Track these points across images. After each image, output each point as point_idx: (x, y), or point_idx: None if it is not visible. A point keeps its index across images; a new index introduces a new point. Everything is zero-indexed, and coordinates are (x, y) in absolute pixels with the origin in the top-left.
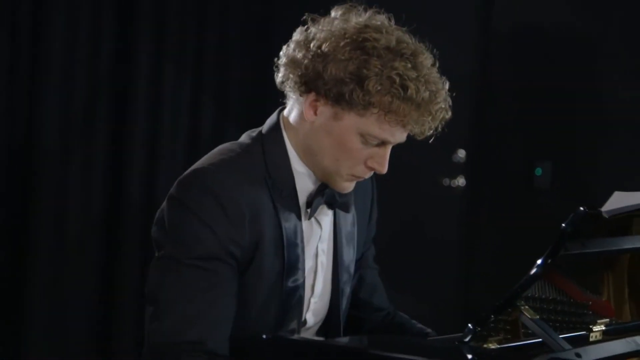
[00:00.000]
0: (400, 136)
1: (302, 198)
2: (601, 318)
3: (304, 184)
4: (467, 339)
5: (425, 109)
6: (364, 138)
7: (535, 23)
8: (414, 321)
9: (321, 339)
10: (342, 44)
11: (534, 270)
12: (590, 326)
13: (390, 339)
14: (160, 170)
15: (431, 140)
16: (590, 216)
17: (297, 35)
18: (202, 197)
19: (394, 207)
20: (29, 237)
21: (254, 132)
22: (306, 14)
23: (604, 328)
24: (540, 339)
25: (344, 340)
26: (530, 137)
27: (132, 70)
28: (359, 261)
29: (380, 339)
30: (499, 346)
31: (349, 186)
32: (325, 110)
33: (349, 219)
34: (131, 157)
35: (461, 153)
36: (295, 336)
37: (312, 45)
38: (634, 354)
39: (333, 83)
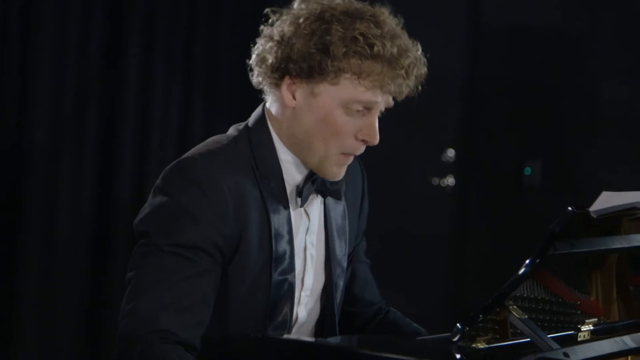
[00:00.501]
0: (381, 99)
1: (291, 188)
2: (589, 318)
3: (292, 173)
4: (455, 339)
5: (396, 64)
6: (347, 108)
7: (524, 22)
8: (407, 319)
9: (310, 339)
10: (302, 20)
11: (522, 270)
12: (579, 326)
13: (379, 339)
14: (150, 170)
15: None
16: (579, 216)
17: (263, 32)
18: (186, 186)
19: (383, 207)
20: (18, 238)
21: (240, 125)
22: (267, 9)
23: (592, 328)
24: (529, 339)
25: (333, 340)
26: (520, 136)
27: (122, 70)
28: (351, 255)
29: (369, 339)
30: (487, 346)
31: (339, 172)
32: (302, 90)
33: (339, 212)
34: (121, 158)
35: (450, 152)
36: (285, 336)
37: (276, 34)
38: (622, 353)
39: (302, 59)
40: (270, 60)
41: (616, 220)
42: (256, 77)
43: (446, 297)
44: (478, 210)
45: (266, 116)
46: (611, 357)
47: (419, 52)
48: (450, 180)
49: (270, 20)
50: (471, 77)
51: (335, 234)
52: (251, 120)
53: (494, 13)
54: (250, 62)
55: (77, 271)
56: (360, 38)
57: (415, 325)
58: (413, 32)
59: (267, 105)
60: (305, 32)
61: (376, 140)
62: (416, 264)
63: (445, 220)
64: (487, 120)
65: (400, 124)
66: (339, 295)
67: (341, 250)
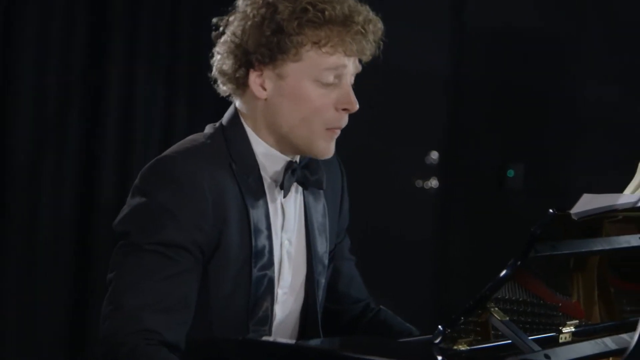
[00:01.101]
0: (347, 63)
1: (269, 182)
2: (571, 319)
3: (270, 167)
4: (437, 341)
5: (351, 23)
6: (317, 82)
7: (508, 25)
8: (399, 319)
9: (291, 341)
10: (249, 11)
11: (503, 272)
12: (560, 327)
13: (361, 341)
14: (133, 172)
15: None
16: (560, 218)
17: (217, 42)
18: (164, 185)
19: (366, 209)
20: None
21: (215, 124)
22: (214, 18)
23: (573, 329)
24: (510, 341)
25: (315, 342)
26: (503, 139)
27: (104, 71)
28: (332, 252)
29: (351, 340)
30: (469, 348)
31: (328, 148)
32: (269, 78)
33: (319, 210)
34: (104, 160)
35: (434, 155)
36: (265, 338)
37: (229, 38)
38: (603, 355)
39: (260, 47)
40: (231, 63)
41: (597, 223)
42: (222, 86)
43: (429, 299)
44: (461, 212)
45: (239, 114)
46: (592, 359)
47: (371, 12)
48: (433, 183)
49: (220, 29)
50: (455, 79)
51: (316, 231)
52: (225, 119)
53: (477, 15)
54: (212, 74)
55: (60, 272)
56: (310, 7)
57: (407, 325)
58: (397, 34)
59: (238, 106)
60: (256, 20)
61: (356, 105)
62: (399, 266)
63: (429, 222)
64: (471, 122)
65: (384, 126)
66: (320, 293)
67: (322, 247)
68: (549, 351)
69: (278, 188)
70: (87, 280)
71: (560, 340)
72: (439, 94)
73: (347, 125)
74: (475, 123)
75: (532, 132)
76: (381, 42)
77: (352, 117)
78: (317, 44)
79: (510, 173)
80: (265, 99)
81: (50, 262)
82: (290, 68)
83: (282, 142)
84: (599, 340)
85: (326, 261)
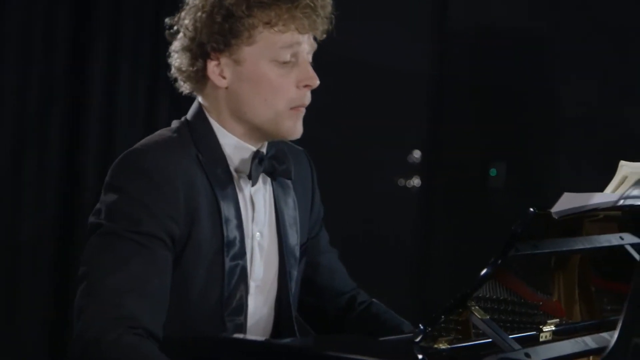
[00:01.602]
0: (302, 40)
1: (238, 173)
2: (551, 318)
3: (238, 158)
4: (417, 339)
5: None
6: (275, 62)
7: (490, 25)
8: (391, 312)
9: (273, 340)
10: (198, 1)
11: (484, 271)
12: (541, 326)
13: (341, 339)
14: None
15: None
16: (540, 217)
17: (172, 42)
18: (135, 177)
19: (348, 207)
20: None
21: (181, 120)
22: (166, 19)
23: (554, 328)
24: (491, 339)
25: (295, 340)
26: (485, 138)
27: (87, 70)
28: (305, 246)
29: (330, 339)
30: (449, 346)
31: (295, 127)
32: (227, 66)
33: (289, 203)
34: (86, 158)
35: (416, 153)
36: (236, 335)
37: (182, 34)
38: (583, 354)
39: (213, 35)
40: (187, 58)
41: (578, 222)
42: (183, 85)
43: (411, 297)
44: (443, 211)
45: (203, 109)
46: (572, 358)
47: None
48: (416, 182)
49: (174, 28)
50: (437, 78)
51: (286, 223)
52: (189, 114)
53: (460, 15)
54: (171, 73)
55: (42, 273)
56: None
57: (399, 319)
58: (379, 33)
59: (201, 101)
60: (206, 9)
61: (316, 80)
62: (381, 264)
63: (411, 221)
64: (453, 121)
65: (367, 124)
66: (293, 285)
67: (293, 239)
68: (529, 350)
69: (246, 179)
70: (69, 280)
71: (541, 339)
72: (421, 93)
73: (330, 123)
74: (457, 122)
75: (515, 131)
76: (332, 17)
77: (335, 115)
78: (268, 24)
79: (493, 172)
80: (226, 88)
81: (33, 263)
82: (246, 52)
83: (250, 129)
84: (579, 339)
85: (297, 254)
